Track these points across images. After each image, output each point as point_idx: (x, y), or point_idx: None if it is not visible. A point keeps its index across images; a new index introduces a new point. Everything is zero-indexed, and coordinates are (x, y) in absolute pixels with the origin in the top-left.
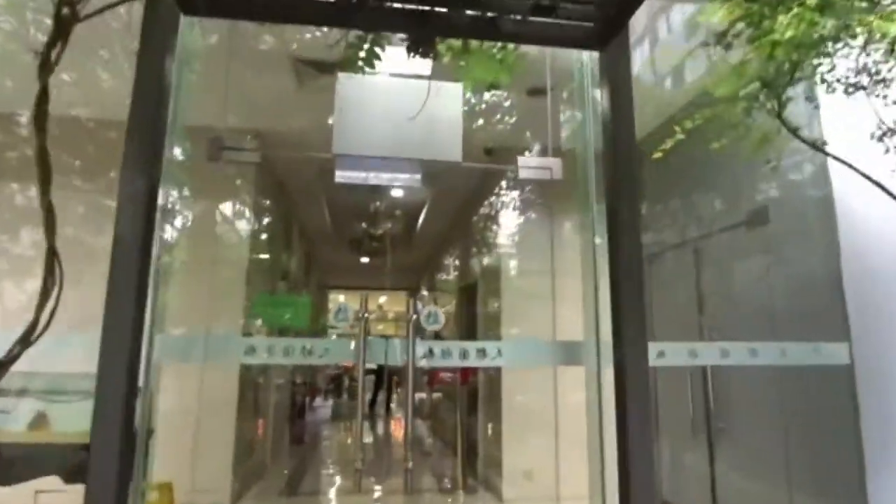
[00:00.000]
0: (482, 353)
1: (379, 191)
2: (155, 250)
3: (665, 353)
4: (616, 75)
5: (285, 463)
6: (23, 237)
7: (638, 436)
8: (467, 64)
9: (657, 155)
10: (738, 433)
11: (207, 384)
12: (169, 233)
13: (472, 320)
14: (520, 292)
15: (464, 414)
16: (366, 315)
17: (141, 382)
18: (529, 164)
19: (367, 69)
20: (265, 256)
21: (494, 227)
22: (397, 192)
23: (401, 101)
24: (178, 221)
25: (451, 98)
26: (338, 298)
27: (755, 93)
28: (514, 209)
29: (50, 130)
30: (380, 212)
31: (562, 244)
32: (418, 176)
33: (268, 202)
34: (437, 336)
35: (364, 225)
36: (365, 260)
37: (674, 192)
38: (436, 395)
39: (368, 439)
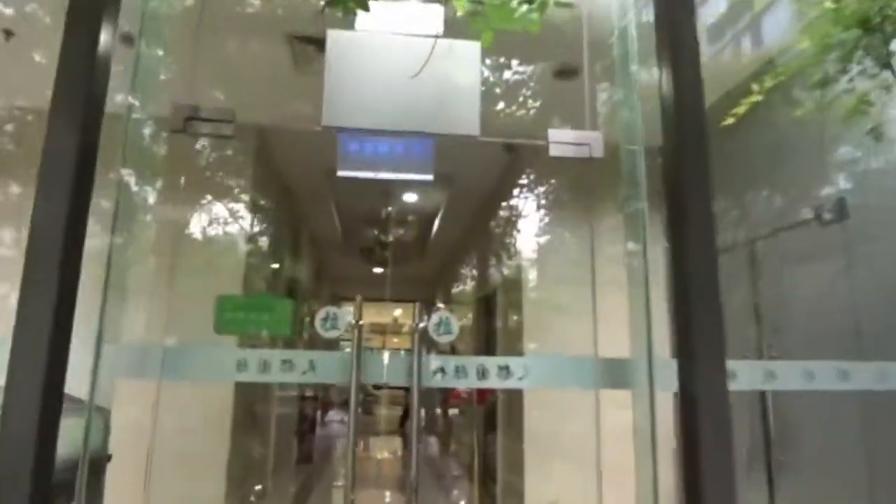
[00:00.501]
0: (505, 371)
1: (390, 196)
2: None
3: (737, 375)
4: (677, 36)
5: (290, 485)
6: None
7: (716, 473)
8: (486, 10)
9: (728, 121)
10: (804, 468)
11: (195, 398)
12: (124, 234)
13: (490, 335)
14: (548, 304)
15: (481, 434)
16: (360, 323)
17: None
18: (562, 138)
19: (359, 11)
20: (266, 263)
21: (517, 231)
22: (410, 197)
23: (405, 64)
24: (149, 220)
25: (466, 59)
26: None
27: (852, 41)
28: (540, 209)
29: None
30: (392, 218)
31: (600, 249)
32: (430, 176)
33: (269, 205)
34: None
35: (375, 232)
36: (378, 270)
37: (724, 184)
38: (451, 410)
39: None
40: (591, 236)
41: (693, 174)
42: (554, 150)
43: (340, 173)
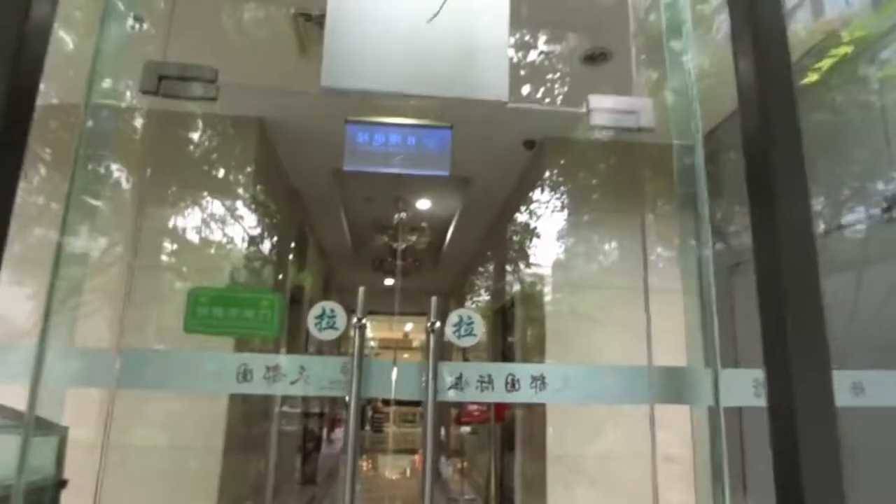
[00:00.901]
0: (540, 381)
1: (402, 202)
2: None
3: (864, 388)
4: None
5: None
6: None
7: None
8: None
9: (812, 78)
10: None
11: (183, 413)
12: (86, 232)
13: (507, 348)
14: (574, 313)
15: (497, 454)
16: (362, 321)
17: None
18: (605, 104)
19: None
20: (267, 270)
21: (538, 236)
22: (423, 204)
23: (420, 15)
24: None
25: (492, 12)
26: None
27: None
28: (564, 210)
29: None
30: (404, 226)
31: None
32: (446, 171)
33: (272, 207)
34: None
35: (386, 238)
36: (389, 282)
37: None
38: (462, 428)
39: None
40: (626, 238)
41: (784, 156)
42: (596, 119)
43: (348, 168)
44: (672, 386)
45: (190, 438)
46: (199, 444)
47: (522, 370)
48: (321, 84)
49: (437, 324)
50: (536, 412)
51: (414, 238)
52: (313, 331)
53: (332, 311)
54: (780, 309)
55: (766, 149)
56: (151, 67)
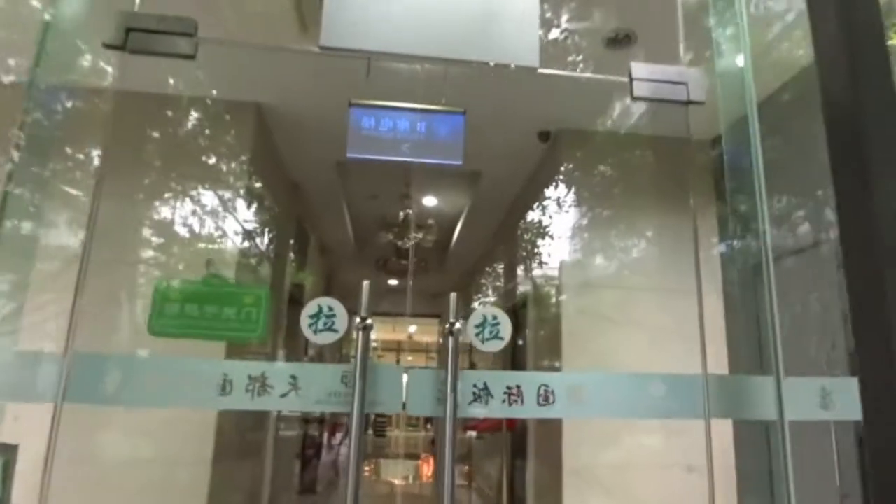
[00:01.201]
0: (576, 393)
1: (408, 198)
2: None
3: None
4: None
5: None
6: None
7: None
8: None
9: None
10: None
11: (166, 421)
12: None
13: (517, 353)
14: (592, 314)
15: (509, 464)
16: (367, 321)
17: None
18: (650, 74)
19: None
20: (264, 268)
21: (551, 235)
22: (430, 201)
23: None
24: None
25: None
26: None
27: None
28: (581, 205)
29: None
30: (409, 224)
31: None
32: (458, 161)
33: (270, 200)
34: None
35: (391, 236)
36: (393, 282)
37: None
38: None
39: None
40: (646, 236)
41: (877, 120)
42: (639, 90)
43: (351, 155)
44: (730, 397)
45: (175, 448)
46: (186, 454)
47: (557, 381)
48: (320, 43)
49: (458, 325)
50: (550, 420)
51: (420, 235)
52: (308, 333)
53: (331, 309)
54: (878, 303)
55: (855, 112)
56: (119, 19)
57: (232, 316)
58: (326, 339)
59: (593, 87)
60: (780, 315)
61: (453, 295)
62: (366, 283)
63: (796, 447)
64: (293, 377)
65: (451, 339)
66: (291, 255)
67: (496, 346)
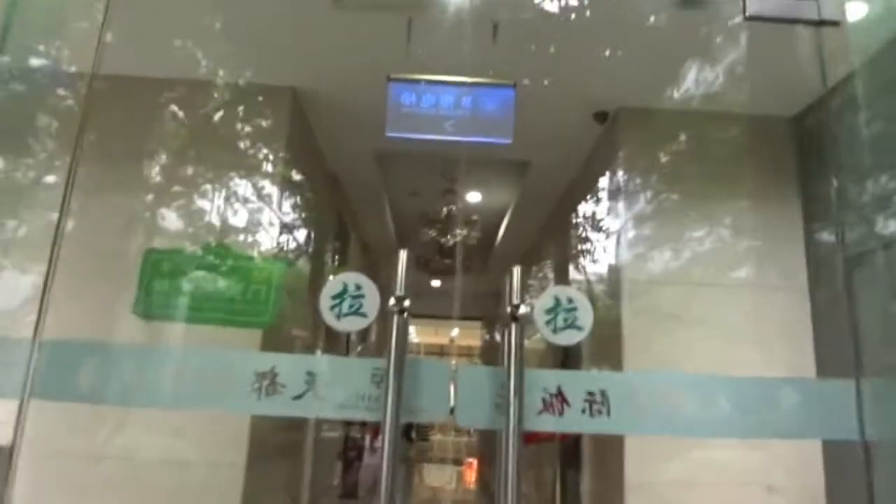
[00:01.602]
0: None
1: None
2: None
3: None
4: None
5: None
6: None
7: None
8: None
9: None
10: None
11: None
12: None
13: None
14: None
15: (559, 473)
16: (403, 301)
17: None
18: None
19: None
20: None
21: (607, 228)
22: (474, 197)
23: None
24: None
25: None
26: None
27: None
28: (643, 193)
29: None
30: (453, 221)
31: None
32: (508, 139)
33: (310, 193)
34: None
35: (433, 233)
36: (436, 283)
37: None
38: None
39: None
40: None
41: None
42: (753, 6)
43: (390, 133)
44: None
45: (207, 448)
46: (218, 455)
47: (647, 382)
48: None
49: (524, 308)
50: None
51: (465, 232)
52: (328, 317)
53: (359, 287)
54: None
55: None
56: None
57: (237, 295)
58: (352, 325)
59: (662, 54)
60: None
61: (516, 269)
62: (403, 253)
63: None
64: (310, 374)
65: (513, 327)
66: (331, 251)
67: (571, 337)
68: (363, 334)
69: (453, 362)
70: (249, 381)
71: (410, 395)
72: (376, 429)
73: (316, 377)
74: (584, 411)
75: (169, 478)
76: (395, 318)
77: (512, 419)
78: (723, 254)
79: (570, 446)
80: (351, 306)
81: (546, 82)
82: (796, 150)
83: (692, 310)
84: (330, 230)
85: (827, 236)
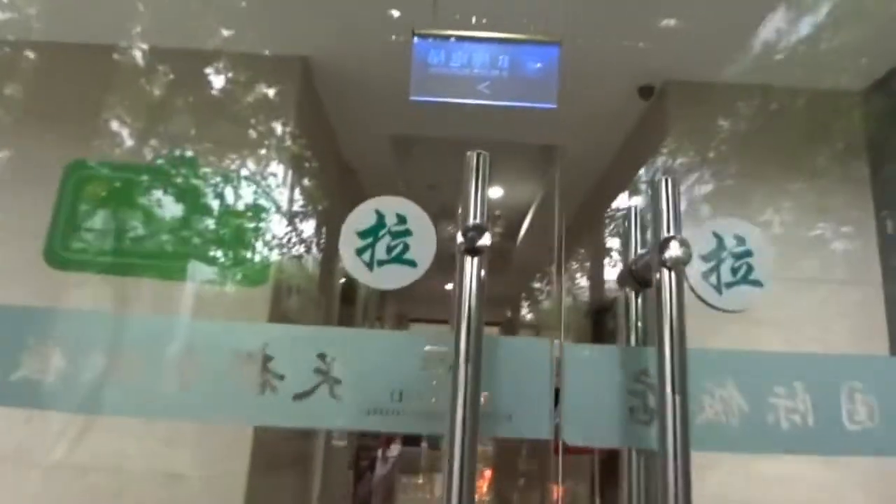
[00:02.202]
0: None
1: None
2: None
3: None
4: None
5: None
6: None
7: None
8: None
9: None
10: None
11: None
12: None
13: None
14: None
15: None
16: (477, 236)
17: None
18: None
19: None
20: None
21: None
22: (496, 192)
23: None
24: None
25: None
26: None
27: None
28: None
29: None
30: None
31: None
32: (552, 104)
33: (322, 179)
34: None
35: (451, 229)
36: (449, 287)
37: None
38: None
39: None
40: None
41: None
42: None
43: (415, 97)
44: None
45: (202, 458)
46: (216, 465)
47: None
48: None
49: (678, 249)
50: None
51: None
52: (353, 266)
53: (402, 219)
54: None
55: None
56: None
57: (208, 233)
58: (394, 278)
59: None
60: None
61: (666, 181)
62: (474, 156)
63: None
64: (323, 357)
65: (668, 278)
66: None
67: (744, 298)
68: (377, 306)
69: (556, 342)
70: (222, 370)
71: (495, 378)
72: (388, 438)
73: (333, 363)
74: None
75: (159, 491)
76: (468, 263)
77: (670, 436)
78: (786, 244)
79: (606, 459)
80: (391, 249)
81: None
82: (868, 128)
83: (757, 307)
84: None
85: None
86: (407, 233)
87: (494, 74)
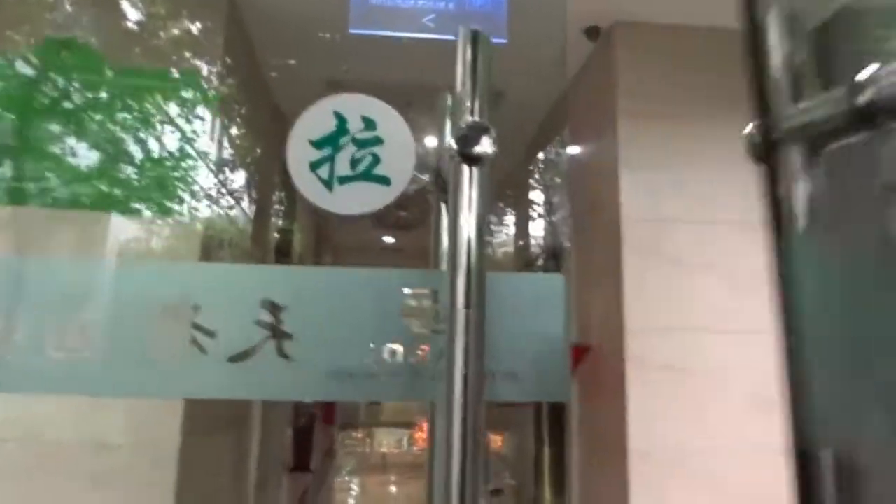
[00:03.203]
0: None
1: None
2: None
3: None
4: None
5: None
6: None
7: None
8: None
9: None
10: None
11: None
12: None
13: None
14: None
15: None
16: (478, 133)
17: None
18: None
19: None
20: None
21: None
22: (431, 142)
23: None
24: None
25: None
26: None
27: None
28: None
29: None
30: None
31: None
32: (503, 38)
33: (246, 126)
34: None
35: None
36: (389, 239)
37: None
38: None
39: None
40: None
41: None
42: None
43: (354, 30)
44: None
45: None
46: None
47: None
48: None
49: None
50: (606, 388)
51: (425, 178)
52: (306, 187)
53: (369, 123)
54: None
55: None
56: None
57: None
58: (361, 201)
59: None
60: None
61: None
62: (467, 31)
63: None
64: (269, 305)
65: (464, 172)
66: (277, 206)
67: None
68: (313, 261)
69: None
70: (130, 325)
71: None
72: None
73: (283, 313)
74: None
75: (84, 461)
76: (464, 175)
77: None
78: (731, 189)
79: (551, 409)
80: (357, 162)
81: None
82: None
83: (695, 252)
84: (276, 180)
85: None
86: (376, 141)
87: (440, 7)
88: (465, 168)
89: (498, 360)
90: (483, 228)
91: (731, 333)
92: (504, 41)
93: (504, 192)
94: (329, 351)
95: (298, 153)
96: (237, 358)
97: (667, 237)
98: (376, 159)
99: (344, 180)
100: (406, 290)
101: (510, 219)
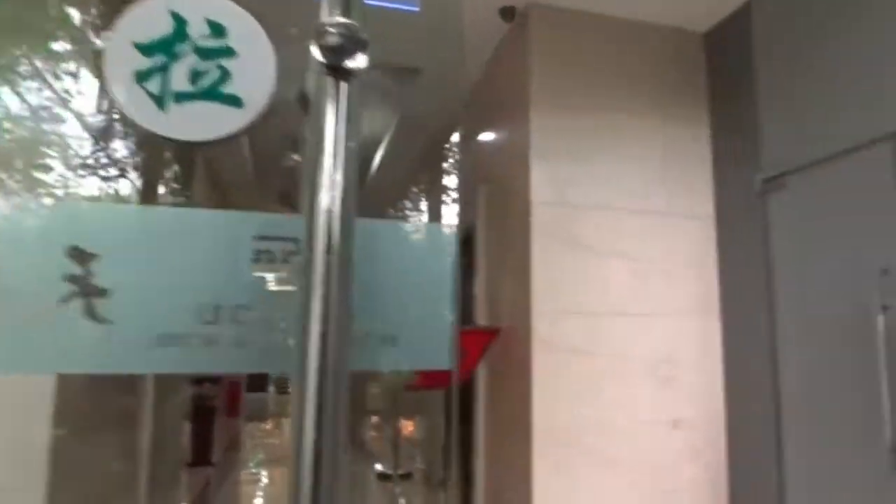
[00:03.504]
0: None
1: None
2: None
3: None
4: None
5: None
6: None
7: None
8: None
9: None
10: None
11: None
12: None
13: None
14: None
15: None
16: (351, 40)
17: None
18: None
19: None
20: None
21: (519, 139)
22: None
23: None
24: None
25: None
26: None
27: None
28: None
29: None
30: None
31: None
32: (415, 6)
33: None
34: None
35: (297, 158)
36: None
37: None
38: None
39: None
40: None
41: None
42: None
43: None
44: None
45: None
46: (8, 433)
47: None
48: None
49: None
50: (513, 369)
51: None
52: (127, 99)
53: (218, 27)
54: None
55: None
56: None
57: None
58: (202, 125)
59: None
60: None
61: None
62: None
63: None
64: (77, 253)
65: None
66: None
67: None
68: None
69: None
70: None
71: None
72: (234, 384)
73: (95, 263)
74: None
75: None
76: (330, 91)
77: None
78: (635, 177)
79: (462, 392)
80: (198, 76)
81: None
82: (707, 69)
83: (605, 240)
84: (166, 153)
85: (735, 161)
86: (226, 51)
87: None
88: (332, 82)
89: (374, 320)
90: (352, 159)
91: (632, 316)
92: (416, 9)
93: (418, 176)
94: (155, 312)
95: (120, 57)
96: (34, 322)
97: (574, 223)
98: (225, 74)
99: (181, 98)
100: (259, 238)
101: (424, 204)
